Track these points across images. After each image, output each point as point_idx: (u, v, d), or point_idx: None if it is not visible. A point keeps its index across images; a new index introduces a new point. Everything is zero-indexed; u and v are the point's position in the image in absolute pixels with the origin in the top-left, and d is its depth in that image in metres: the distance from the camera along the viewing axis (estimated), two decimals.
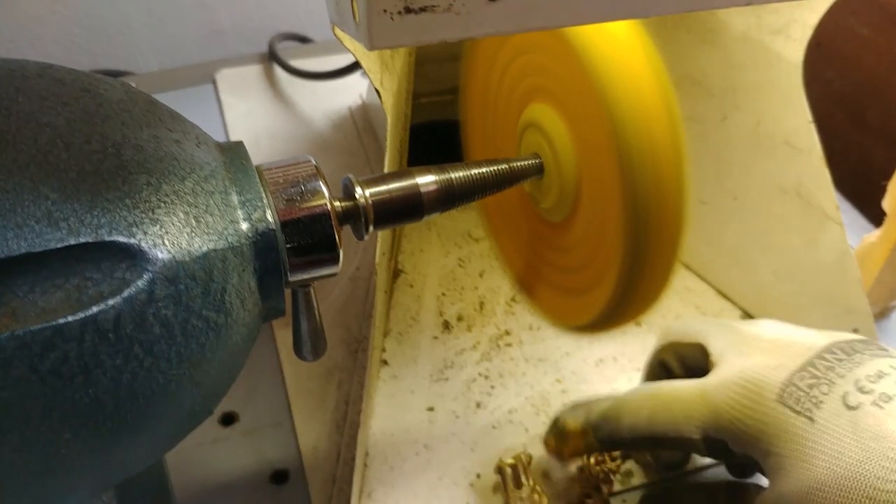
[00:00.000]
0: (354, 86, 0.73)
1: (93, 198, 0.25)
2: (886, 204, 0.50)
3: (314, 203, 0.30)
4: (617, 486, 0.46)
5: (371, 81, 0.42)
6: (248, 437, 0.48)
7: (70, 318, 0.24)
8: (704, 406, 0.33)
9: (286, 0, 0.87)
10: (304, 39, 0.83)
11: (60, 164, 0.25)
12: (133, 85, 0.32)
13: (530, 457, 0.44)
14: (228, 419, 0.49)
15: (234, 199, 0.29)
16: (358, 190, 0.32)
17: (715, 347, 0.36)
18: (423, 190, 0.33)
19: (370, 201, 0.32)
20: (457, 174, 0.34)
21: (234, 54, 0.84)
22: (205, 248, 0.27)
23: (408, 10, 0.22)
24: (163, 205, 0.27)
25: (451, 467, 0.46)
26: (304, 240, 0.30)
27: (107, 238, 0.25)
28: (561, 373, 0.52)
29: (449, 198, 0.34)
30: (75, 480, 0.28)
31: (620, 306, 0.35)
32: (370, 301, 0.55)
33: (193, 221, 0.27)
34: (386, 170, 0.40)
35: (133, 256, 0.25)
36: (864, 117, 0.62)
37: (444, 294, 0.58)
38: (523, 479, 0.42)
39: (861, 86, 0.62)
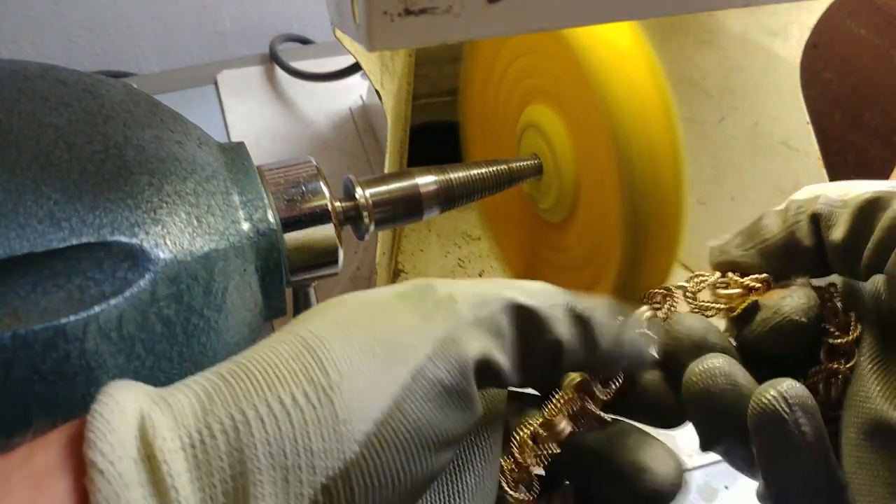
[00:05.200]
0: (355, 87, 0.73)
1: (95, 198, 0.26)
2: None
3: (315, 203, 0.31)
4: None
5: (371, 83, 0.42)
6: None
7: (72, 318, 0.24)
8: None
9: (287, 1, 0.87)
10: (304, 41, 0.83)
11: (63, 164, 0.26)
12: (134, 86, 0.32)
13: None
14: None
15: (236, 199, 0.29)
16: (358, 190, 0.32)
17: None
18: (422, 190, 0.33)
19: (370, 201, 0.32)
20: (456, 175, 0.34)
21: (236, 56, 0.84)
22: (206, 248, 0.27)
23: (408, 12, 0.22)
24: (165, 205, 0.27)
25: None
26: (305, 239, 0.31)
27: (109, 238, 0.25)
28: None
29: (449, 198, 0.34)
30: None
31: None
32: None
33: (195, 221, 0.27)
34: (386, 170, 0.40)
35: (135, 256, 0.26)
36: (861, 118, 0.63)
37: None
38: None
39: (858, 86, 0.62)
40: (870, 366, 0.25)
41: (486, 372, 0.22)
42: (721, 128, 0.52)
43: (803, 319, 0.26)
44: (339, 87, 0.74)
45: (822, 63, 0.63)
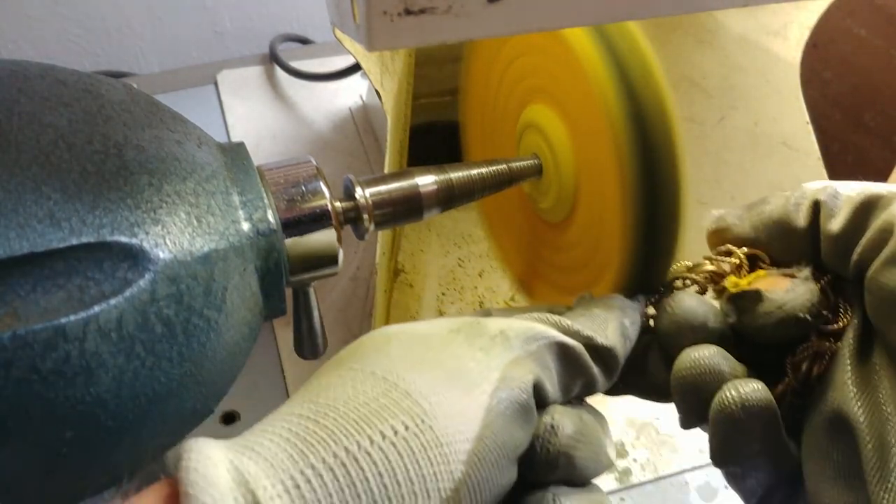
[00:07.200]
0: (355, 87, 0.73)
1: (95, 198, 0.26)
2: None
3: (315, 203, 0.31)
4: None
5: (371, 83, 0.42)
6: None
7: (72, 318, 0.24)
8: None
9: (287, 2, 0.87)
10: (304, 41, 0.83)
11: (62, 164, 0.26)
12: (134, 86, 0.32)
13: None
14: (230, 418, 0.49)
15: (236, 199, 0.29)
16: (358, 190, 0.32)
17: None
18: (422, 190, 0.33)
19: (370, 201, 0.32)
20: (456, 174, 0.34)
21: (235, 56, 0.84)
22: (206, 248, 0.27)
23: (407, 12, 0.22)
24: (164, 205, 0.27)
25: None
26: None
27: (109, 238, 0.25)
28: None
29: (448, 198, 0.34)
30: (77, 480, 0.28)
31: None
32: (370, 300, 0.55)
33: (195, 221, 0.27)
34: (386, 170, 0.40)
35: (135, 256, 0.26)
36: (861, 118, 0.63)
37: (443, 294, 0.58)
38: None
39: (858, 86, 0.62)
40: (847, 357, 0.26)
41: (538, 394, 0.24)
42: (721, 128, 0.52)
43: (807, 317, 0.26)
44: (339, 87, 0.74)
45: (822, 63, 0.63)
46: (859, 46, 0.61)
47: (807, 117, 0.47)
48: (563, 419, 0.24)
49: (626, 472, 0.46)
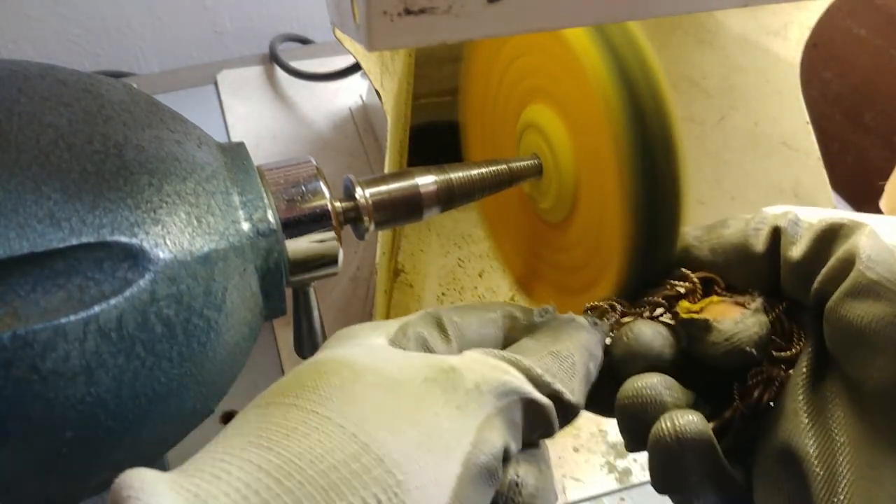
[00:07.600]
0: (355, 87, 0.73)
1: (95, 198, 0.26)
2: (883, 204, 0.50)
3: (315, 203, 0.31)
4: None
5: (371, 83, 0.42)
6: None
7: (72, 318, 0.24)
8: None
9: (287, 2, 0.87)
10: (304, 41, 0.83)
11: (62, 164, 0.26)
12: (134, 86, 0.32)
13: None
14: (230, 418, 0.49)
15: (236, 199, 0.29)
16: (358, 190, 0.32)
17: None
18: (422, 190, 0.33)
19: (370, 201, 0.32)
20: (456, 175, 0.34)
21: (235, 56, 0.84)
22: (206, 248, 0.27)
23: (407, 12, 0.22)
24: (164, 205, 0.27)
25: None
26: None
27: (109, 238, 0.25)
28: None
29: (448, 198, 0.34)
30: (77, 480, 0.28)
31: None
32: (370, 300, 0.55)
33: (195, 221, 0.27)
34: (386, 170, 0.40)
35: (135, 256, 0.26)
36: (861, 118, 0.63)
37: (443, 294, 0.58)
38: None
39: (858, 86, 0.62)
40: (800, 385, 0.26)
41: (504, 452, 0.24)
42: (721, 128, 0.52)
43: (753, 351, 0.26)
44: (339, 87, 0.74)
45: (822, 63, 0.64)
46: (859, 46, 0.61)
47: (807, 117, 0.47)
48: (526, 476, 0.24)
49: (626, 472, 0.46)
